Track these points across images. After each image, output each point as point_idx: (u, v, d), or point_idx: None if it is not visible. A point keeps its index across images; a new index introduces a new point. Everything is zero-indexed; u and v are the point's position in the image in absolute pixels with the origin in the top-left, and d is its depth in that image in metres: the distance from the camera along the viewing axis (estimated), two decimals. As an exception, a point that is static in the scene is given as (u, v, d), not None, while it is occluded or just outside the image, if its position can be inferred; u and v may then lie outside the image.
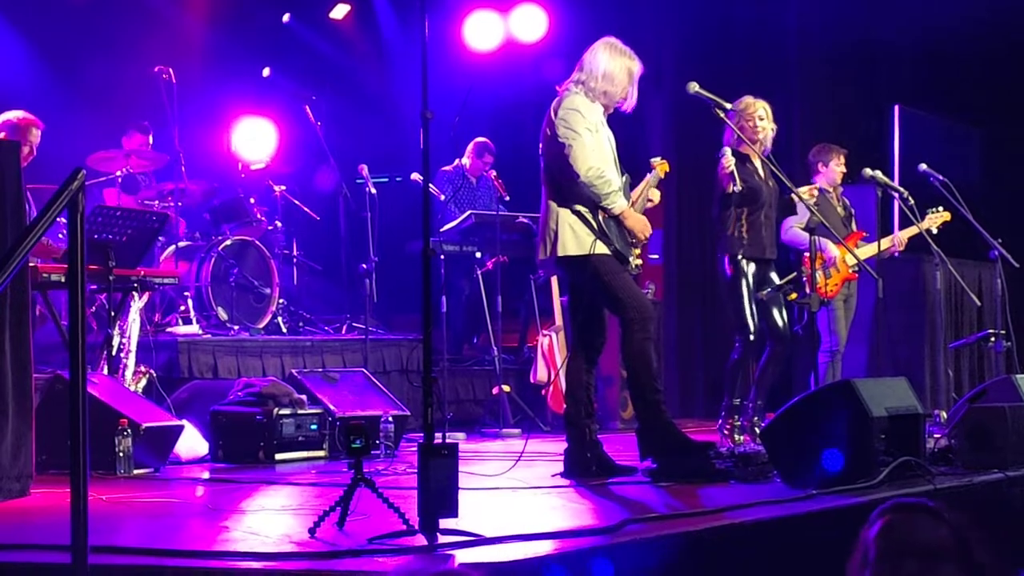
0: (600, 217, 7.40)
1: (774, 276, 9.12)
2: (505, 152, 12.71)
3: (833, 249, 9.84)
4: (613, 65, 7.56)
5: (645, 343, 7.46)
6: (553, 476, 7.42)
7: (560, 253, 7.38)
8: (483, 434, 10.78)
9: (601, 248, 7.38)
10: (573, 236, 7.38)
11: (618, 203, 7.39)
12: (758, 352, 9.02)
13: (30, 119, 9.36)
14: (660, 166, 8.22)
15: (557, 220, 7.42)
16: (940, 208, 10.31)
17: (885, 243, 10.26)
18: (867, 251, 10.14)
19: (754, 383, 9.10)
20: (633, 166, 14.29)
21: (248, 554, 4.86)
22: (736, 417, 8.95)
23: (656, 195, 8.08)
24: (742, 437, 8.82)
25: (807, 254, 9.27)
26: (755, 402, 9.03)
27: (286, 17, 13.44)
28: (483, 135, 12.92)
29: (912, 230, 10.34)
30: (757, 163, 9.16)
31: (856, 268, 10.02)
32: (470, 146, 12.83)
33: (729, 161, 8.77)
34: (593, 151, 7.38)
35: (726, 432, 8.96)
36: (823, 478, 6.54)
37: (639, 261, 7.70)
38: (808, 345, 9.89)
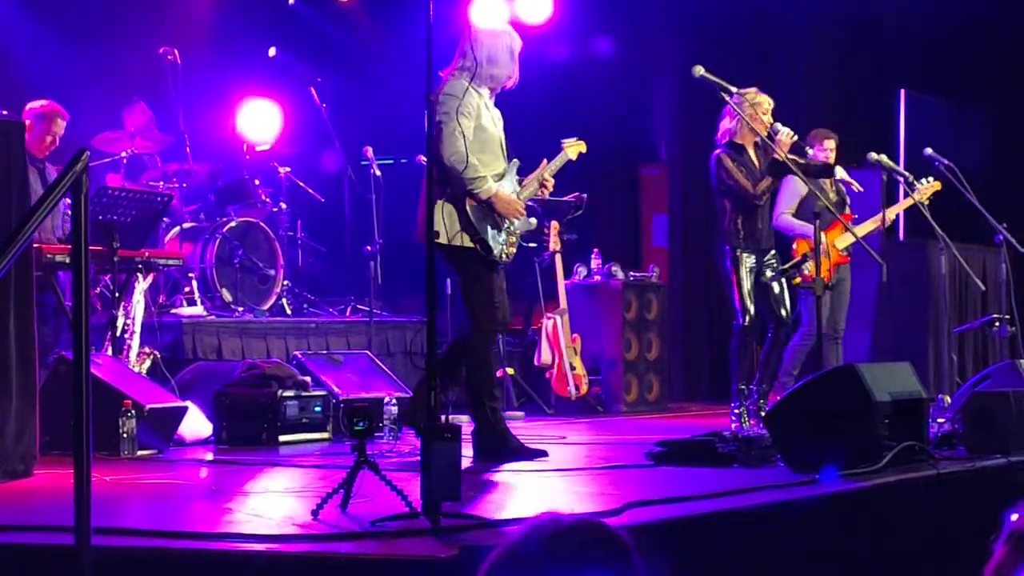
0: (469, 205, 7.40)
1: (773, 262, 9.14)
2: (509, 134, 12.68)
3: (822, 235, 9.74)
4: (494, 47, 7.58)
5: (487, 352, 7.55)
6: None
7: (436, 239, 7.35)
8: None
9: (465, 240, 7.41)
10: (442, 223, 7.35)
11: (484, 187, 7.37)
12: (758, 337, 9.03)
13: (56, 109, 9.38)
14: (572, 147, 8.19)
15: (431, 204, 7.43)
16: (930, 178, 10.26)
17: (870, 225, 10.19)
18: (857, 232, 10.12)
19: (758, 367, 9.12)
20: (637, 152, 14.33)
21: (251, 536, 4.87)
22: (743, 402, 8.97)
23: (550, 184, 8.00)
24: (750, 421, 8.83)
25: (801, 239, 9.30)
26: (759, 386, 9.05)
27: (272, 52, 13.40)
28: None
29: (899, 206, 10.30)
30: (752, 155, 9.18)
31: (847, 251, 10.01)
32: None
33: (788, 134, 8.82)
34: (462, 137, 7.34)
35: (735, 416, 8.98)
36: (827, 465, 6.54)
37: (512, 250, 7.63)
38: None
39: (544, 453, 7.53)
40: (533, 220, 7.91)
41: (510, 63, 7.61)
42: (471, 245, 7.42)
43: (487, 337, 7.55)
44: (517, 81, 7.71)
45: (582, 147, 8.26)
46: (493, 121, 7.61)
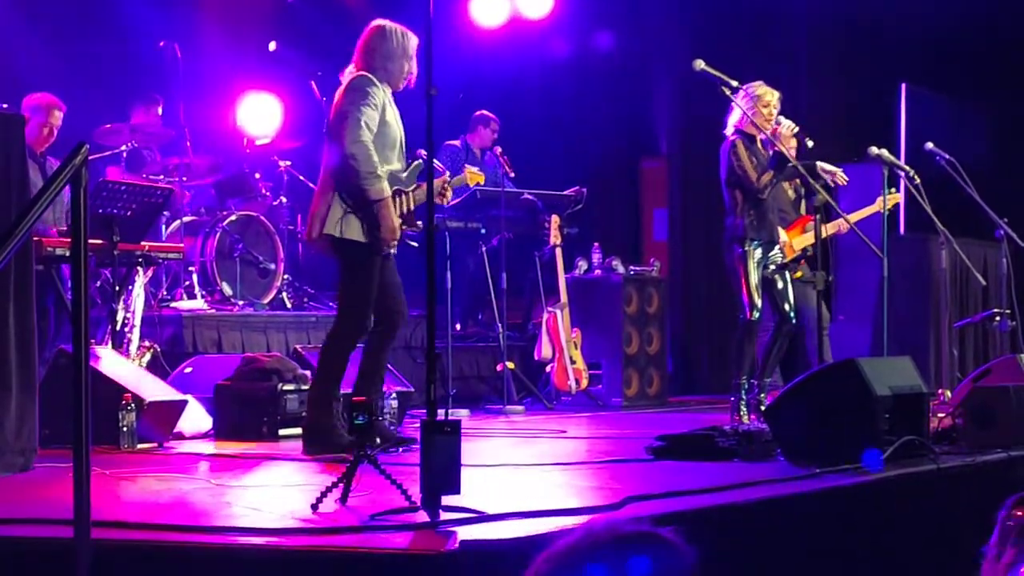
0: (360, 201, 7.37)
1: (777, 257, 9.12)
2: (510, 128, 12.69)
3: (782, 235, 9.63)
4: (388, 45, 7.60)
5: (344, 353, 7.56)
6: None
7: (327, 231, 7.39)
8: (487, 411, 10.78)
9: (350, 232, 7.39)
10: (335, 215, 7.38)
11: (376, 187, 7.32)
12: (775, 334, 9.00)
13: (53, 101, 9.39)
14: (472, 175, 8.37)
15: (322, 197, 7.45)
16: (893, 190, 10.20)
17: (831, 228, 10.13)
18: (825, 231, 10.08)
19: (759, 361, 9.11)
20: (638, 145, 14.33)
21: (251, 529, 4.87)
22: (743, 396, 8.96)
23: (448, 195, 8.02)
24: (750, 415, 8.82)
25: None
26: (760, 380, 9.04)
27: (272, 46, 13.40)
28: (488, 111, 12.90)
29: (862, 212, 10.23)
30: (760, 147, 9.16)
31: (808, 250, 9.82)
32: (474, 120, 12.81)
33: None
34: (368, 129, 7.34)
35: (735, 410, 8.97)
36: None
37: (392, 250, 7.59)
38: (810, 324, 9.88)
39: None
40: (420, 223, 7.82)
41: (404, 61, 7.62)
42: (361, 239, 7.39)
43: (352, 341, 7.59)
44: (415, 81, 7.69)
45: (480, 178, 8.51)
46: (396, 119, 7.61)
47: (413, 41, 7.66)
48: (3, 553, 4.70)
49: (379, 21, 7.74)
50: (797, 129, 8.99)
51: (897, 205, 10.07)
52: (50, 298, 8.73)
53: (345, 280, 7.57)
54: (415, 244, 7.77)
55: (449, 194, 8.01)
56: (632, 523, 2.28)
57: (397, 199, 7.50)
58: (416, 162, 7.71)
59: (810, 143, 8.93)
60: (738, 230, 9.00)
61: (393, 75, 7.61)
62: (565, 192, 9.86)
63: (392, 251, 7.57)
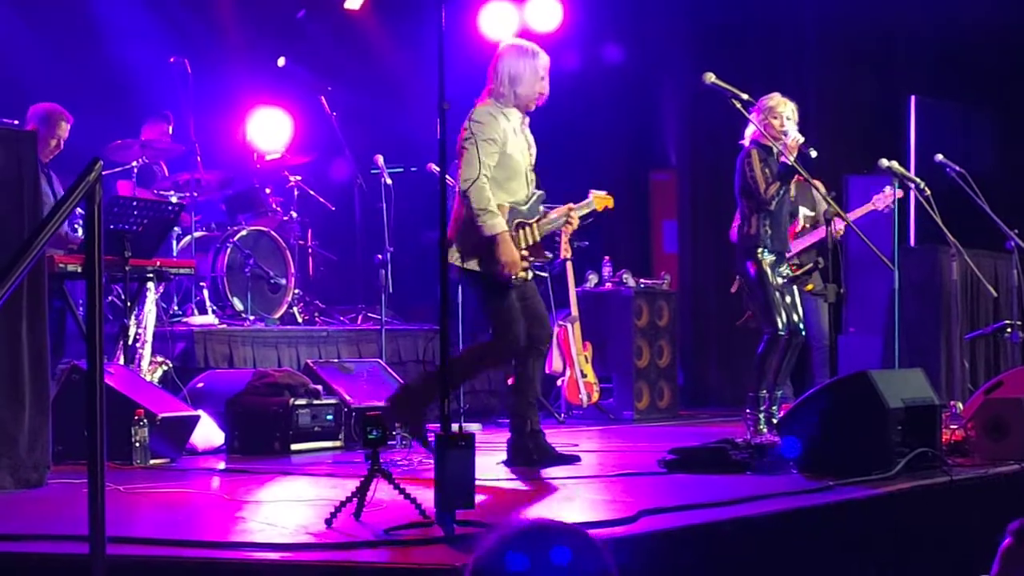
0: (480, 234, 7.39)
1: (785, 269, 9.11)
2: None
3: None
4: (518, 67, 7.58)
5: (484, 363, 7.75)
6: (498, 464, 7.48)
7: (450, 260, 7.36)
8: (498, 424, 10.77)
9: (476, 266, 7.42)
10: (461, 246, 7.42)
11: (488, 223, 7.32)
12: (790, 345, 8.97)
13: (60, 112, 9.36)
14: (600, 199, 8.24)
15: (455, 226, 7.47)
16: (887, 188, 10.18)
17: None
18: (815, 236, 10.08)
19: (770, 374, 9.08)
20: (647, 158, 14.34)
21: (265, 545, 4.87)
22: (760, 409, 8.94)
23: (575, 222, 7.96)
24: (765, 428, 8.80)
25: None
26: (772, 393, 9.02)
27: (281, 61, 13.46)
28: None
29: (858, 212, 10.21)
30: (776, 159, 9.14)
31: (820, 262, 9.81)
32: None
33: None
34: (482, 164, 7.34)
35: (750, 423, 8.95)
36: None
37: (520, 280, 7.51)
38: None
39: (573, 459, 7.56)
40: (549, 254, 7.91)
41: (536, 81, 7.60)
42: (479, 269, 7.43)
43: (505, 358, 7.65)
44: (546, 99, 7.70)
45: (609, 202, 8.31)
46: (520, 149, 7.60)
47: (544, 60, 7.66)
48: (19, 569, 4.71)
49: (509, 41, 7.77)
50: (803, 140, 8.98)
51: (896, 206, 9.98)
52: (55, 310, 8.73)
53: (481, 305, 7.66)
54: (544, 274, 7.78)
55: (576, 221, 7.95)
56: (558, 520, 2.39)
57: (520, 231, 7.51)
58: (537, 193, 7.71)
59: (813, 153, 8.92)
60: (751, 239, 8.98)
61: (522, 98, 7.59)
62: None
63: (519, 282, 7.50)
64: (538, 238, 7.62)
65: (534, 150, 7.72)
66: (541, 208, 7.73)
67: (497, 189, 7.41)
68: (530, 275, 7.59)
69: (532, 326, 7.56)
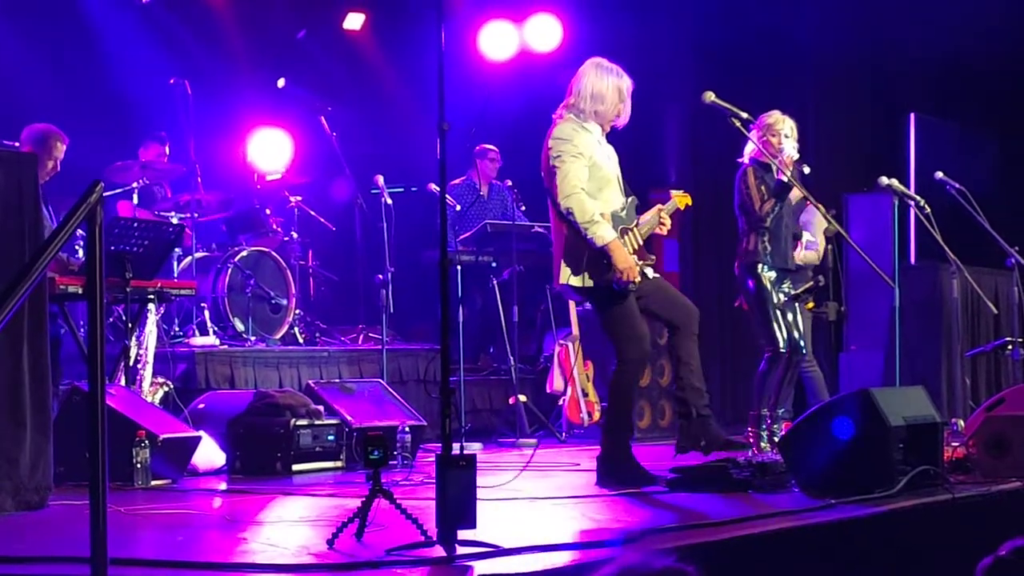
0: (589, 248, 7.45)
1: (788, 286, 9.11)
2: (522, 161, 12.70)
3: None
4: (601, 85, 7.65)
5: (629, 384, 7.67)
6: (595, 485, 7.52)
7: (561, 281, 7.53)
8: (500, 444, 10.78)
9: (589, 282, 7.48)
10: (569, 265, 7.50)
11: (598, 234, 7.38)
12: (787, 364, 8.97)
13: (56, 133, 9.34)
14: (680, 198, 8.31)
15: (560, 247, 7.56)
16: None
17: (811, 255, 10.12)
18: (809, 257, 10.08)
19: (771, 393, 9.07)
20: (648, 176, 14.32)
21: (267, 566, 4.87)
22: (762, 427, 8.94)
23: (668, 223, 8.05)
24: (768, 446, 8.79)
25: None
26: (773, 411, 9.01)
27: (281, 82, 13.51)
28: (498, 144, 12.93)
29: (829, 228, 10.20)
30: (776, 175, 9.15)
31: (821, 280, 9.82)
32: (474, 155, 12.84)
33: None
34: (578, 178, 7.43)
35: (751, 441, 8.94)
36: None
37: (638, 278, 7.58)
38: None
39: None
40: (653, 256, 7.94)
41: (618, 102, 7.67)
42: (593, 284, 7.48)
43: (635, 368, 7.72)
44: (626, 121, 7.78)
45: (688, 200, 8.46)
46: (607, 157, 7.68)
47: (627, 82, 7.73)
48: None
49: (593, 60, 7.80)
50: (797, 157, 8.99)
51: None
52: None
53: (601, 320, 7.71)
54: (656, 274, 7.87)
55: (668, 221, 8.04)
56: (660, 557, 2.33)
57: (625, 237, 7.59)
58: (630, 199, 7.77)
59: (806, 169, 8.94)
60: (750, 256, 8.99)
61: (602, 116, 7.67)
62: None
63: (635, 287, 7.55)
64: (640, 242, 7.73)
65: (616, 158, 7.79)
66: (636, 217, 7.81)
67: (592, 201, 7.47)
68: (641, 278, 7.62)
69: (671, 313, 7.79)
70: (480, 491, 7.09)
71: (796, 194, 9.02)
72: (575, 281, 7.48)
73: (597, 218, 7.40)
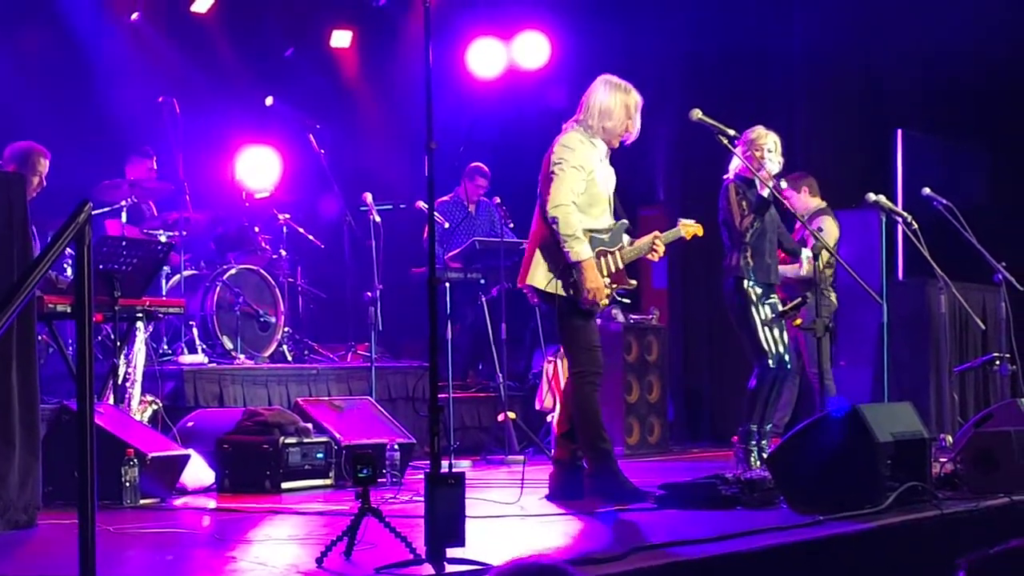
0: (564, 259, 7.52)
1: (775, 301, 9.13)
2: (509, 178, 12.72)
3: None
4: (609, 101, 7.74)
5: (590, 395, 7.65)
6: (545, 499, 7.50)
7: (528, 280, 7.62)
8: (489, 461, 10.77)
9: (559, 289, 7.53)
10: (542, 268, 7.56)
11: (575, 249, 7.46)
12: (776, 378, 8.98)
13: (39, 149, 9.36)
14: (688, 228, 8.36)
15: (535, 248, 7.60)
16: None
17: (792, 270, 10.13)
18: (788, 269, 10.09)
19: (758, 409, 9.08)
20: (636, 192, 14.34)
21: (256, 584, 4.87)
22: (752, 443, 8.95)
23: (661, 251, 8.08)
24: (758, 462, 8.80)
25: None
26: (761, 428, 9.02)
27: (269, 100, 13.56)
28: (487, 162, 12.95)
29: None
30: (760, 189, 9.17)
31: (808, 296, 9.85)
32: (462, 174, 12.86)
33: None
34: (571, 190, 7.50)
35: (741, 457, 8.95)
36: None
37: (605, 301, 7.66)
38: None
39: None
40: (633, 281, 7.98)
41: (625, 118, 7.76)
42: (563, 293, 7.51)
43: (593, 379, 7.66)
44: (636, 136, 7.87)
45: (699, 230, 8.46)
46: (605, 178, 7.76)
47: (636, 99, 7.80)
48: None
49: (603, 77, 7.87)
50: (774, 172, 9.02)
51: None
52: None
53: (559, 329, 7.73)
54: (627, 301, 7.92)
55: (661, 249, 8.07)
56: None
57: (602, 259, 7.63)
58: (621, 222, 7.85)
59: (784, 184, 8.97)
60: (734, 270, 9.02)
61: (610, 132, 7.75)
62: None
63: (599, 309, 7.66)
64: (621, 266, 7.77)
65: (614, 180, 7.86)
66: (625, 237, 7.86)
67: (579, 214, 7.53)
68: (607, 302, 7.68)
69: None
70: (488, 507, 7.14)
71: (810, 205, 9.01)
72: (542, 283, 7.55)
73: (579, 235, 7.47)
